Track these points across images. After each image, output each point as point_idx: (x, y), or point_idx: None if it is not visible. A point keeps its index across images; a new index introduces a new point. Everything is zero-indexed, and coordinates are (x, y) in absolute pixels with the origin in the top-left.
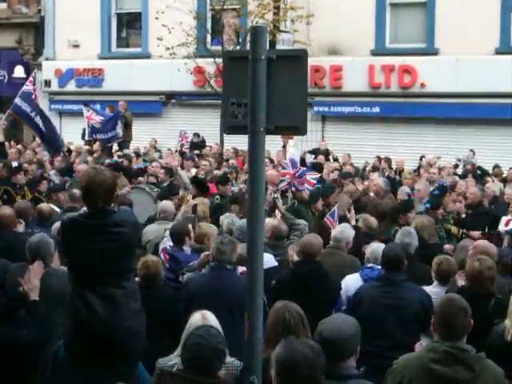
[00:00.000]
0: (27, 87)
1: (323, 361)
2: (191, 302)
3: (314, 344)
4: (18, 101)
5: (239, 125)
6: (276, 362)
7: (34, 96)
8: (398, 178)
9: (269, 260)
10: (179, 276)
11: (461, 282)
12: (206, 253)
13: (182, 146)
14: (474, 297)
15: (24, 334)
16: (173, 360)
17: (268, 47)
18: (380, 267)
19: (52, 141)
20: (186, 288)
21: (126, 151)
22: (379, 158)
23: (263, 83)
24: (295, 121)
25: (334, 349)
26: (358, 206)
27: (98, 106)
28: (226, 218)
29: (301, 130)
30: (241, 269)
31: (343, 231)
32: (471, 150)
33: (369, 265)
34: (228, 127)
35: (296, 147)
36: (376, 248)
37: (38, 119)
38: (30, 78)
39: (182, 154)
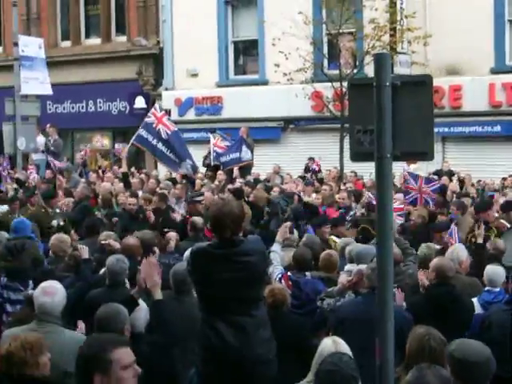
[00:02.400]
0: (149, 118)
1: None
2: (340, 329)
3: (446, 373)
4: (142, 132)
5: (366, 152)
6: None
7: (155, 127)
8: None
9: None
10: (318, 301)
11: None
12: (348, 278)
13: (313, 171)
14: None
15: None
16: None
17: None
18: (497, 290)
19: (182, 161)
20: (335, 314)
21: (248, 178)
22: (504, 179)
23: (388, 110)
24: (422, 146)
25: (472, 372)
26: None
27: (225, 135)
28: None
29: (428, 156)
30: None
31: (452, 252)
32: None
33: (486, 288)
34: (354, 154)
35: (419, 170)
36: (491, 270)
37: (161, 146)
38: (153, 110)
39: (302, 178)
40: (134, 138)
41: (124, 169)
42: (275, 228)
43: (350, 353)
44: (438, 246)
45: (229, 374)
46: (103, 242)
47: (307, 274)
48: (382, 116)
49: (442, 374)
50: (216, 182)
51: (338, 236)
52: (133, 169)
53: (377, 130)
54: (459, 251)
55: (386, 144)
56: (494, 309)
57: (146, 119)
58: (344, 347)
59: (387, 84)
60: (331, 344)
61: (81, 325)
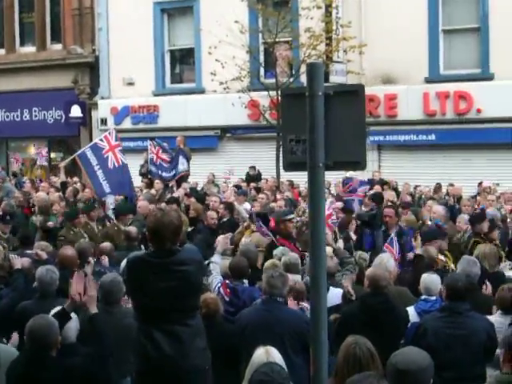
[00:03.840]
0: (101, 143)
1: None
2: (243, 335)
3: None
4: (87, 151)
5: (298, 161)
6: None
7: (104, 153)
8: (457, 205)
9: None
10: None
11: None
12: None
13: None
14: None
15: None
16: None
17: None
18: (433, 298)
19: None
20: (239, 322)
21: (184, 185)
22: (440, 186)
23: (321, 119)
24: (354, 156)
25: (408, 381)
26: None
27: (165, 145)
28: (279, 252)
29: (360, 165)
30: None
31: (380, 263)
32: None
33: (422, 297)
34: (287, 164)
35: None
36: (428, 279)
37: (100, 173)
38: (107, 134)
39: (238, 187)
40: (78, 152)
41: (62, 178)
42: None
43: (282, 362)
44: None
45: None
46: (29, 252)
47: (245, 281)
48: (315, 125)
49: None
50: (153, 191)
51: None
52: (69, 178)
53: (309, 139)
54: (387, 261)
55: (318, 153)
56: (428, 316)
57: (97, 142)
58: (276, 357)
59: (320, 93)
60: (263, 353)
61: (15, 336)
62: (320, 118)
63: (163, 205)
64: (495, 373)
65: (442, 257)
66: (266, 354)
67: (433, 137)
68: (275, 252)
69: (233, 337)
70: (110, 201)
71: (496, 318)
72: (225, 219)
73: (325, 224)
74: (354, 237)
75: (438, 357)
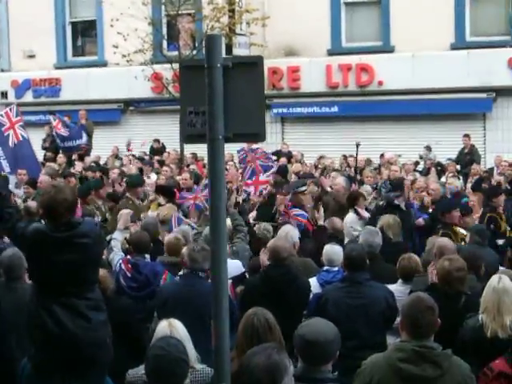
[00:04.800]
0: (2, 119)
1: (282, 371)
2: (164, 309)
3: (273, 357)
4: None
5: (197, 134)
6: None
7: (5, 131)
8: (358, 176)
9: (237, 267)
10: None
11: (432, 277)
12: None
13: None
14: (444, 295)
15: None
16: (141, 371)
17: (224, 51)
18: (336, 269)
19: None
20: (160, 295)
21: (87, 159)
22: (345, 157)
23: (220, 91)
24: (254, 127)
25: (317, 352)
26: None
27: (66, 119)
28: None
29: (260, 137)
30: None
31: (286, 234)
32: (426, 147)
33: (324, 268)
34: (186, 136)
35: None
36: (330, 250)
37: None
38: (7, 110)
39: (141, 159)
40: None
41: None
42: None
43: (186, 335)
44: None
45: (64, 358)
46: None
47: (146, 256)
48: (214, 98)
49: (272, 357)
50: (55, 165)
51: None
52: None
53: (208, 111)
54: (291, 232)
55: (217, 126)
56: (330, 287)
57: None
58: (180, 330)
59: (218, 65)
60: (166, 327)
61: None
62: (219, 90)
63: (58, 180)
64: (395, 340)
65: (462, 230)
66: (170, 327)
67: (335, 109)
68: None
69: (126, 312)
70: (13, 180)
71: (397, 286)
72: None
73: (224, 195)
74: None
75: (339, 327)
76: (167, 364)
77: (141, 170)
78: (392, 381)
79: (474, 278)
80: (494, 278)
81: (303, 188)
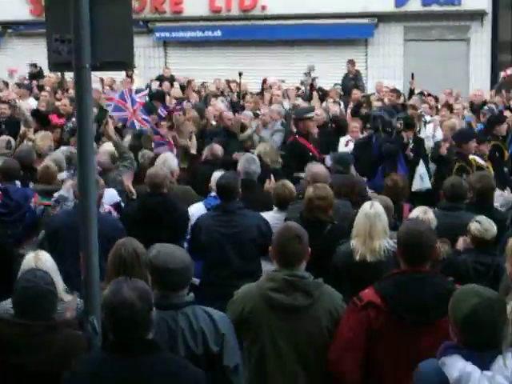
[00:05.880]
0: None
1: (147, 303)
2: (55, 238)
3: (142, 287)
4: None
5: (64, 62)
6: (102, 303)
7: None
8: (242, 101)
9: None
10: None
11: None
12: None
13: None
14: (308, 223)
15: None
16: (8, 304)
17: None
18: None
19: None
20: (51, 224)
21: None
22: (228, 82)
23: (86, 18)
24: (122, 56)
25: (171, 278)
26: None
27: None
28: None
29: (128, 65)
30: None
31: (163, 161)
32: (306, 73)
33: (212, 194)
34: (52, 64)
35: (139, 76)
36: (217, 177)
37: None
38: None
39: (19, 85)
40: None
41: None
42: None
43: (52, 266)
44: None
45: None
46: None
47: (17, 182)
48: (80, 25)
49: (138, 286)
50: None
51: None
52: None
53: (74, 39)
54: (169, 160)
55: (84, 54)
56: (204, 215)
57: None
58: (46, 262)
59: None
60: (32, 259)
61: None
62: (85, 17)
63: None
64: (270, 269)
65: (478, 158)
66: (35, 259)
67: (218, 33)
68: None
69: None
70: None
71: (273, 214)
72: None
73: (91, 122)
74: None
75: (211, 255)
76: (34, 295)
77: None
78: (263, 310)
79: (348, 205)
80: (367, 204)
81: (311, 114)
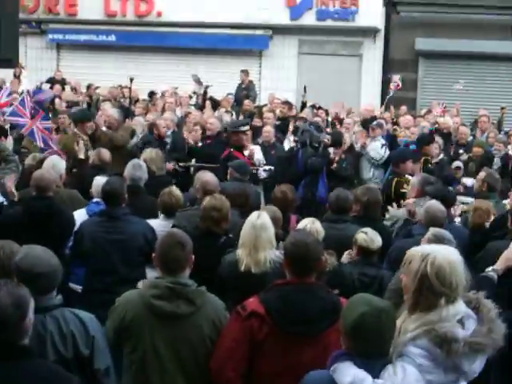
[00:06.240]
0: None
1: (21, 310)
2: None
3: (19, 293)
4: None
5: None
6: None
7: None
8: (133, 107)
9: None
10: None
11: None
12: None
13: None
14: (203, 234)
15: None
16: None
17: None
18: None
19: None
20: None
21: None
22: (121, 87)
23: None
24: (6, 53)
25: (38, 282)
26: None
27: None
28: None
29: (13, 63)
30: None
31: (53, 165)
32: (196, 80)
33: (94, 200)
34: None
35: (29, 78)
36: (99, 181)
37: None
38: None
39: None
40: None
41: None
42: None
43: None
44: None
45: None
46: None
47: None
48: None
49: (15, 292)
50: None
51: None
52: None
53: None
54: (58, 164)
55: None
56: (87, 221)
57: None
58: None
59: None
60: None
61: None
62: None
63: None
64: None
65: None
66: None
67: (113, 38)
68: None
69: None
70: None
71: (159, 221)
72: None
73: None
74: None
75: (95, 262)
76: None
77: None
78: (146, 317)
79: (235, 214)
80: (254, 214)
81: (245, 128)
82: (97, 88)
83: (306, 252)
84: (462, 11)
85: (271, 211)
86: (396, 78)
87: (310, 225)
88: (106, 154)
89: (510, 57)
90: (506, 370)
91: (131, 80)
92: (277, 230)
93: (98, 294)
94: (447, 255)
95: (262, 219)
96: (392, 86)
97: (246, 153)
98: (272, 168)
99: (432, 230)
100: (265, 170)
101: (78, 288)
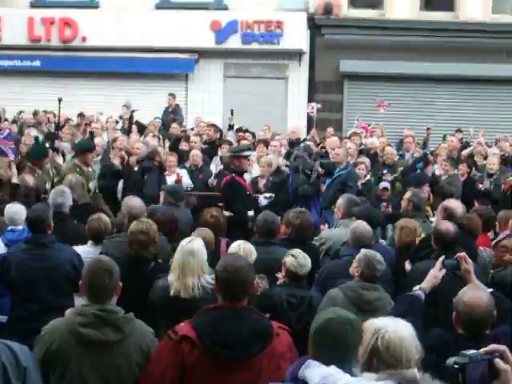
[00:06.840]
0: None
1: None
2: None
3: None
4: None
5: None
6: None
7: None
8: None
9: None
10: None
11: None
12: None
13: None
14: (131, 259)
15: None
16: None
17: None
18: (20, 227)
19: None
20: None
21: None
22: (46, 113)
23: None
24: None
25: None
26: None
27: None
28: None
29: None
30: None
31: None
32: (125, 106)
33: (9, 228)
34: None
35: None
36: (12, 208)
37: None
38: None
39: None
40: None
41: None
42: None
43: None
44: None
45: None
46: None
47: None
48: None
49: None
50: None
51: None
52: None
53: None
54: None
55: None
56: (13, 248)
57: None
58: None
59: None
60: None
61: None
62: None
63: None
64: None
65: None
66: None
67: (38, 63)
68: None
69: None
70: None
71: (87, 248)
72: None
73: None
74: None
75: (22, 290)
76: None
77: None
78: (72, 346)
79: (163, 239)
80: (186, 239)
81: (247, 153)
82: (20, 112)
83: (236, 276)
84: (386, 33)
85: (203, 234)
86: (313, 104)
87: (243, 245)
88: (29, 179)
89: (431, 77)
90: None
91: (59, 100)
92: (208, 251)
93: (24, 322)
94: (399, 331)
95: (191, 245)
96: (308, 110)
97: (173, 178)
98: (273, 195)
99: (364, 251)
100: (265, 197)
101: (4, 319)
